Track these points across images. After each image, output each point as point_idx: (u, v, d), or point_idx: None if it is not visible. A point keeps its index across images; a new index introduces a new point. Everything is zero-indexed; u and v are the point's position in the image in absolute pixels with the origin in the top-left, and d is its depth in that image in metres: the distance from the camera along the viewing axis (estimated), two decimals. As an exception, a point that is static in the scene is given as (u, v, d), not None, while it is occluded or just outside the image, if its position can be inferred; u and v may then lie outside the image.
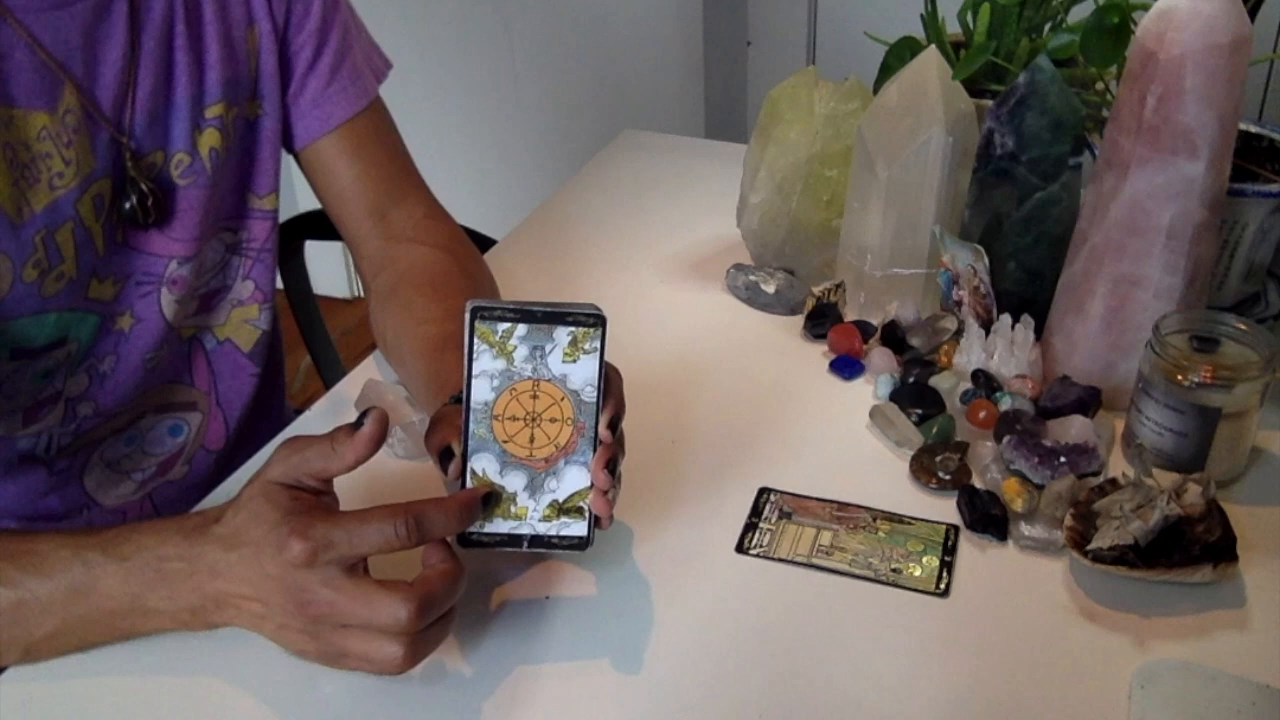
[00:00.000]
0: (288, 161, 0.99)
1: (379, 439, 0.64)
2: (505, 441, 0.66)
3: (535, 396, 0.66)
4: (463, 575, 0.65)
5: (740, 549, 0.79)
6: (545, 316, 0.64)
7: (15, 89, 0.75)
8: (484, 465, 0.66)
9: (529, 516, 0.67)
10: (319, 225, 1.14)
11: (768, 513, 0.82)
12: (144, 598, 0.66)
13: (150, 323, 0.89)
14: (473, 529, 0.67)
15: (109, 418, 0.91)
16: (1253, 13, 0.86)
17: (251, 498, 0.64)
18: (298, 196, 1.18)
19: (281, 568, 0.62)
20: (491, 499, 0.67)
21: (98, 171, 0.81)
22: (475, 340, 0.64)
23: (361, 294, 1.11)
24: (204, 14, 0.86)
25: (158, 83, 0.84)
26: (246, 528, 0.63)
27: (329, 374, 1.35)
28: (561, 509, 0.68)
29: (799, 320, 1.05)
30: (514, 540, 0.68)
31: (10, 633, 0.66)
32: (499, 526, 0.67)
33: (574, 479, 0.67)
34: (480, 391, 0.65)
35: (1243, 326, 0.82)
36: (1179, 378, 0.80)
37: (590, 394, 0.66)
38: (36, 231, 0.78)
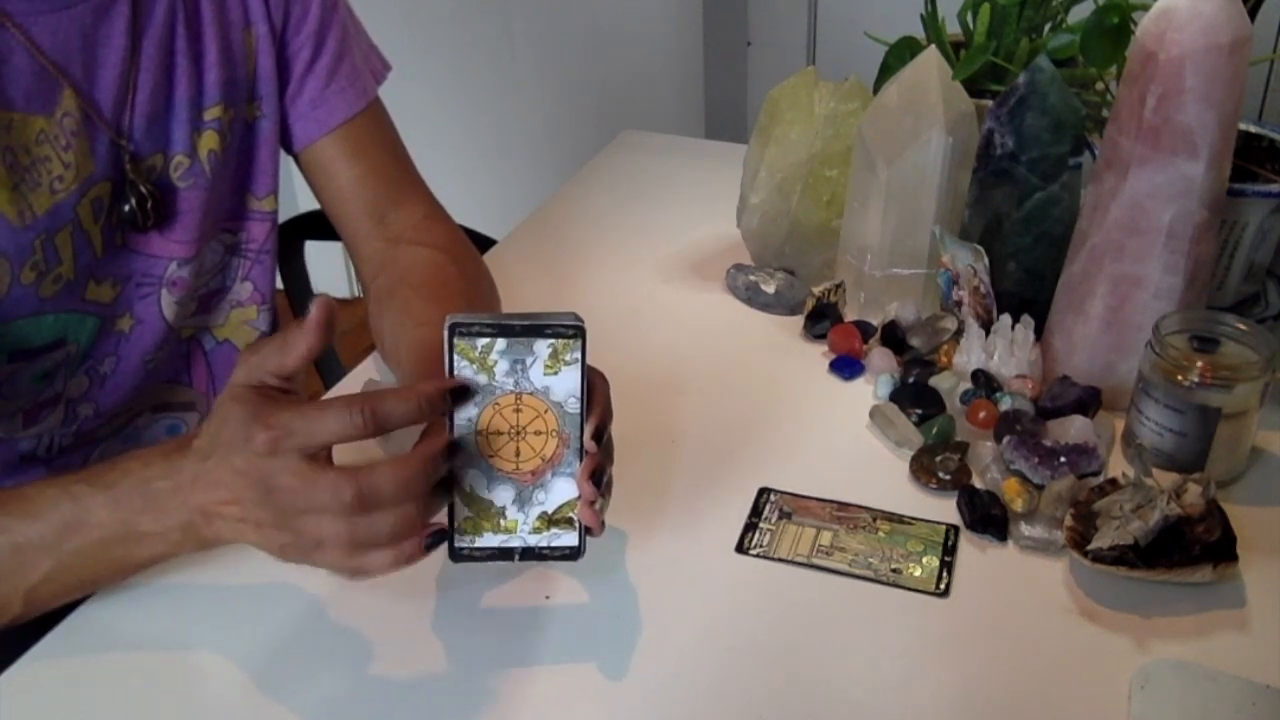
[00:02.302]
0: (288, 162, 0.99)
1: (327, 324, 0.63)
2: (491, 456, 0.66)
3: (518, 410, 0.66)
4: (422, 468, 0.63)
5: (740, 549, 0.79)
6: (524, 330, 0.64)
7: (14, 93, 0.75)
8: (471, 481, 0.66)
9: (519, 529, 0.67)
10: (319, 225, 1.14)
11: (768, 513, 0.82)
12: (134, 522, 0.66)
13: (150, 324, 0.89)
14: (463, 544, 0.67)
15: (109, 418, 0.91)
16: (1253, 13, 0.86)
17: (220, 404, 0.64)
18: (298, 197, 1.18)
19: (247, 459, 0.62)
20: (464, 393, 0.64)
21: (97, 174, 0.81)
22: (455, 357, 0.64)
23: (361, 294, 1.11)
24: (203, 17, 0.86)
25: (157, 85, 0.83)
26: (218, 432, 0.64)
27: (329, 374, 1.35)
28: (551, 520, 0.68)
29: (799, 320, 1.05)
30: (505, 553, 0.68)
31: (9, 581, 0.67)
32: (489, 540, 0.67)
33: (562, 490, 0.67)
34: (463, 408, 0.65)
35: (1243, 326, 0.82)
36: (1179, 378, 0.80)
37: (574, 405, 0.66)
38: (37, 235, 0.78)
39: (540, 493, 0.67)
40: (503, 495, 0.67)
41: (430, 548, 0.65)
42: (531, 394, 0.65)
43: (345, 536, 0.62)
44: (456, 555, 0.67)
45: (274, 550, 0.65)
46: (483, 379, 0.65)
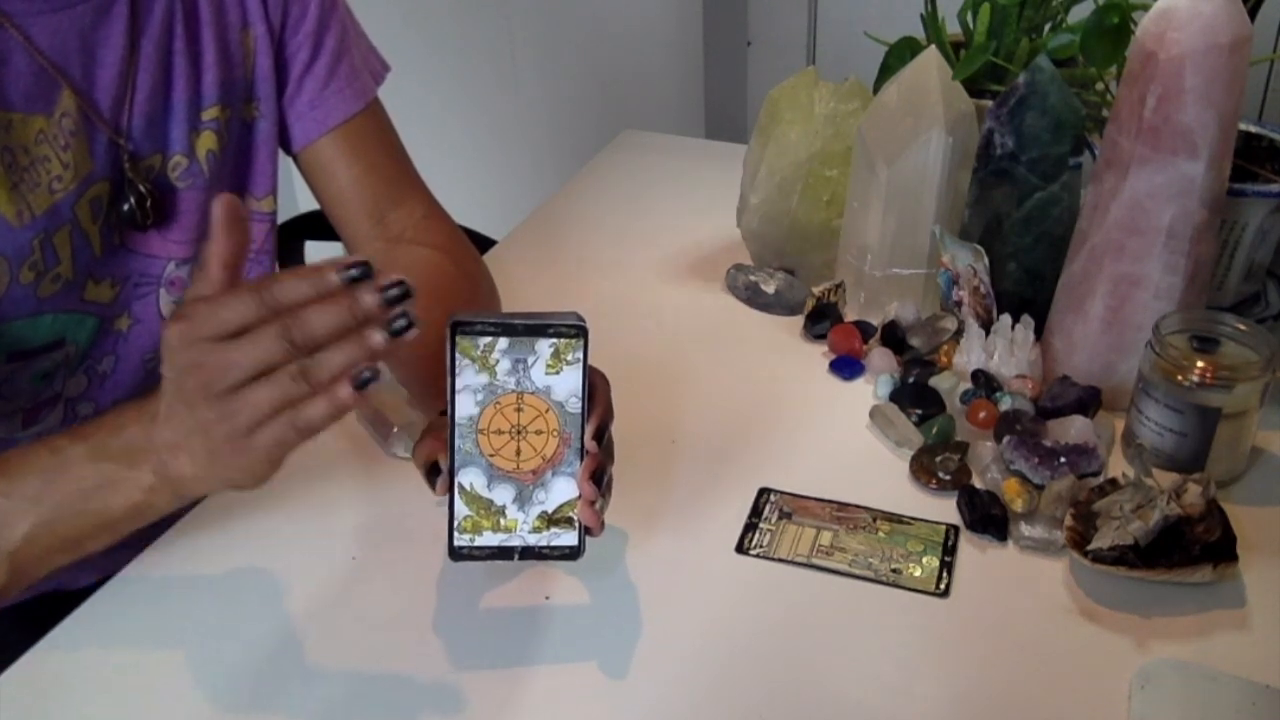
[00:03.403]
0: (287, 162, 0.99)
1: (231, 220, 0.61)
2: (491, 455, 0.66)
3: (520, 409, 0.66)
4: (349, 304, 0.59)
5: (740, 549, 0.79)
6: (526, 329, 0.64)
7: (13, 93, 0.75)
8: (471, 480, 0.66)
9: (519, 528, 0.67)
10: (319, 226, 1.14)
11: (768, 513, 0.82)
12: (110, 470, 0.65)
13: (149, 323, 0.89)
14: (462, 543, 0.67)
15: (109, 418, 0.91)
16: (1253, 13, 0.86)
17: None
18: (298, 197, 1.18)
19: (166, 363, 0.61)
20: (402, 292, 0.60)
21: (95, 174, 0.81)
22: (457, 355, 0.64)
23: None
24: (200, 17, 0.86)
25: (155, 85, 0.83)
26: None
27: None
28: (551, 520, 0.68)
29: (799, 320, 1.05)
30: (505, 552, 0.68)
31: None
32: (489, 539, 0.67)
33: (562, 490, 0.67)
34: (464, 406, 0.65)
35: (1243, 326, 0.82)
36: (1179, 378, 0.80)
37: (575, 405, 0.66)
38: (35, 234, 0.78)
39: (540, 492, 0.67)
40: (503, 494, 0.67)
41: (362, 387, 0.60)
42: (533, 393, 0.65)
43: (285, 392, 0.59)
44: (456, 554, 0.67)
45: (216, 457, 0.62)
46: (484, 378, 0.65)
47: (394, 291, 0.59)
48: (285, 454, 0.62)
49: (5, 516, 0.66)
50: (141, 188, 0.83)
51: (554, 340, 0.64)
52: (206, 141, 0.88)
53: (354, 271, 0.59)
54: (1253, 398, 0.80)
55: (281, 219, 1.02)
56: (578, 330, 0.65)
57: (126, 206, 0.83)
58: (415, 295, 0.60)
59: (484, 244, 1.23)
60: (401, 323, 0.60)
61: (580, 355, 0.65)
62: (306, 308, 0.59)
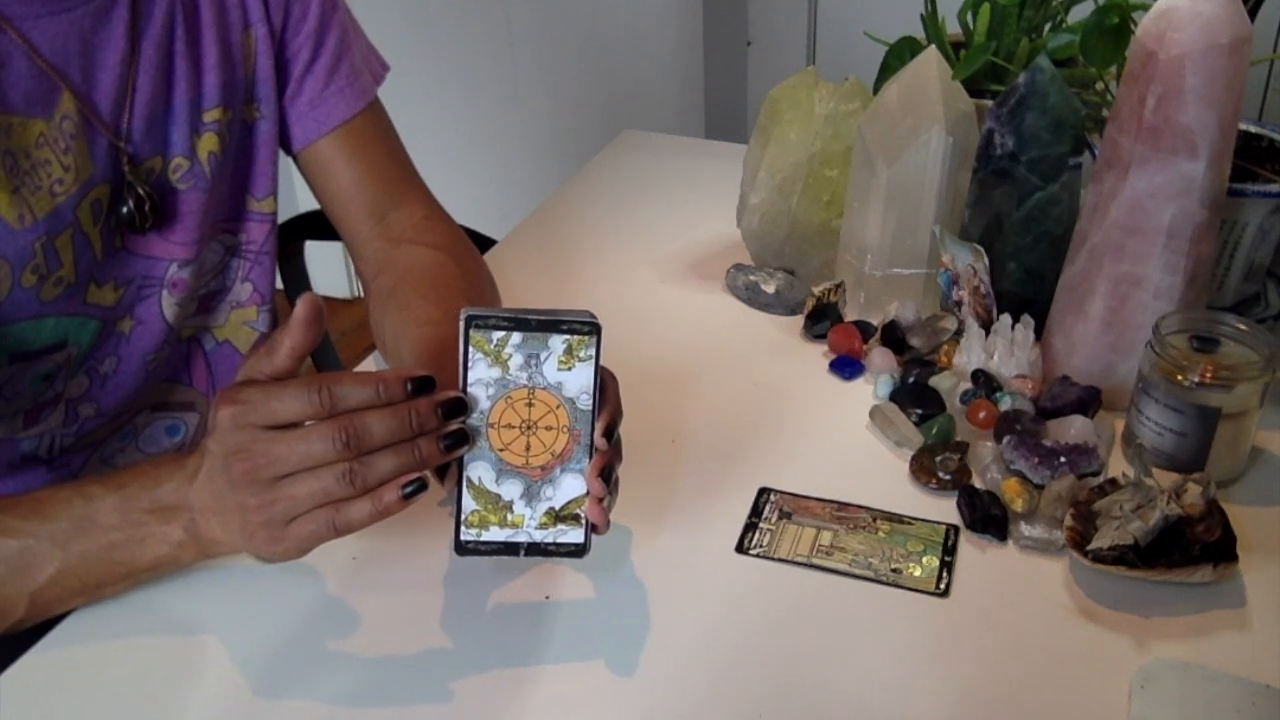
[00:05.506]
0: (288, 162, 0.99)
1: (312, 321, 0.63)
2: (501, 450, 0.66)
3: (531, 404, 0.66)
4: (409, 413, 0.62)
5: (740, 549, 0.79)
6: (540, 324, 0.64)
7: (14, 96, 0.75)
8: (480, 474, 0.66)
9: (525, 524, 0.67)
10: (319, 226, 1.14)
11: (768, 513, 0.82)
12: (141, 523, 0.66)
13: (151, 325, 0.89)
14: (469, 537, 0.67)
15: (111, 418, 0.91)
16: (1253, 13, 0.86)
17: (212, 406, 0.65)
18: (298, 197, 1.18)
19: (215, 437, 0.63)
20: (459, 407, 0.64)
21: (96, 177, 0.81)
22: (470, 349, 0.64)
23: (361, 294, 1.11)
24: (201, 19, 0.86)
25: (156, 88, 0.83)
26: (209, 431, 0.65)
27: (330, 374, 1.35)
28: (558, 516, 0.68)
29: (799, 320, 1.05)
30: (511, 548, 0.68)
31: (16, 581, 0.67)
32: (495, 535, 0.67)
33: (570, 486, 0.67)
34: (475, 400, 0.65)
35: (1243, 326, 0.82)
36: (1179, 378, 0.80)
37: (586, 401, 0.66)
38: (37, 237, 0.78)
39: (549, 488, 0.67)
40: (511, 489, 0.67)
41: (409, 496, 0.63)
42: (544, 389, 0.66)
43: (329, 490, 0.61)
44: (462, 549, 0.67)
45: (251, 538, 0.64)
46: (496, 372, 0.65)
47: (452, 406, 0.64)
48: (317, 545, 0.64)
49: (32, 558, 0.67)
50: (140, 190, 0.83)
51: (567, 337, 0.65)
52: (208, 143, 0.88)
53: (417, 384, 0.63)
54: (1253, 398, 0.80)
55: (281, 219, 1.03)
56: (591, 327, 0.65)
57: (125, 209, 0.83)
58: (472, 410, 0.65)
59: (484, 244, 1.23)
60: (453, 439, 0.64)
61: (593, 352, 0.65)
62: (366, 413, 0.62)
